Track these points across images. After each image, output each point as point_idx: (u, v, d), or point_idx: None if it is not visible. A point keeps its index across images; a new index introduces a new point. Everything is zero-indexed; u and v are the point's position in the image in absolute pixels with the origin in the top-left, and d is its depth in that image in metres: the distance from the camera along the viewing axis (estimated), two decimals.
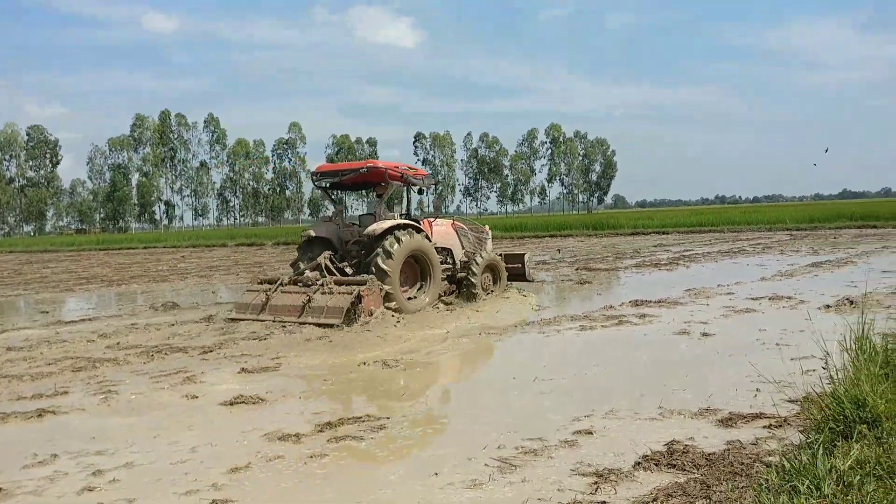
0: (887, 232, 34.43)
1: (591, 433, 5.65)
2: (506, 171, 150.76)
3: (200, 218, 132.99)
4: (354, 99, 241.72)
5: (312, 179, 13.85)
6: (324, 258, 12.43)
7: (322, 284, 11.58)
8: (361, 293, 11.08)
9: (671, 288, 14.81)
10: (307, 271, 12.26)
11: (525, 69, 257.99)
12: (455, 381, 8.11)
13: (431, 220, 14.05)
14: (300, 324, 10.98)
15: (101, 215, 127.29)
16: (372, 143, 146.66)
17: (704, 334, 9.60)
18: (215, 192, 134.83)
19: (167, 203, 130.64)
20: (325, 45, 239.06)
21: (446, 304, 13.14)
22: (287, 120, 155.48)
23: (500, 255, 15.11)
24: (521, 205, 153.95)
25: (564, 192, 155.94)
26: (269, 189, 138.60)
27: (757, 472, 4.43)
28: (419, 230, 12.81)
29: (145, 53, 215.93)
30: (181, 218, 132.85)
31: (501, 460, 5.11)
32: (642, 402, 6.46)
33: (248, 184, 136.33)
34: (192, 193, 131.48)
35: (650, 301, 12.82)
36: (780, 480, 3.89)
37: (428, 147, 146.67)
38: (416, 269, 12.86)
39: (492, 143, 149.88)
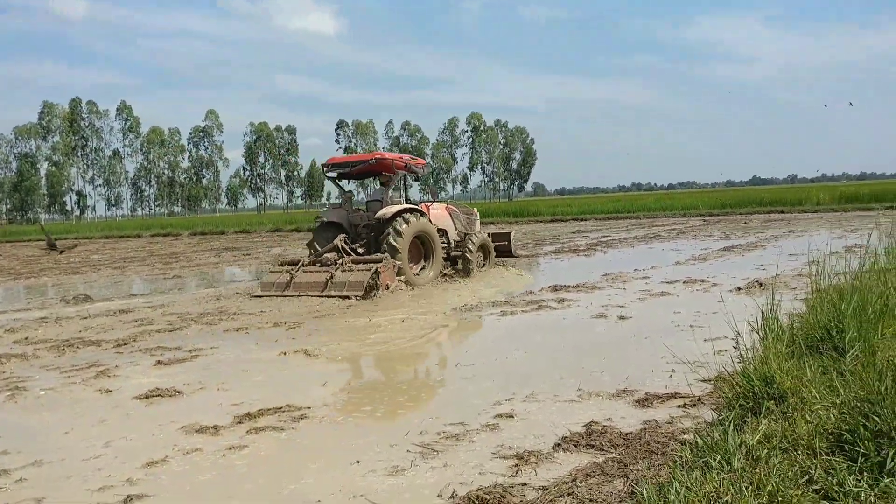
0: (794, 217, 35.89)
1: (512, 417, 5.71)
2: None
3: (114, 208, 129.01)
4: (275, 88, 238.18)
5: (323, 170, 15.72)
6: (339, 240, 14.01)
7: (341, 263, 13.12)
8: (379, 269, 12.69)
9: (589, 273, 15.09)
10: (326, 253, 13.80)
11: (447, 59, 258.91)
12: (376, 369, 8.07)
13: (428, 204, 15.67)
14: (324, 297, 12.44)
15: (8, 206, 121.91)
16: (291, 131, 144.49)
17: (621, 318, 9.81)
18: (129, 181, 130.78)
19: (79, 193, 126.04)
20: (244, 33, 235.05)
21: (447, 275, 15.02)
22: (205, 110, 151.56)
23: (489, 234, 17.01)
24: (443, 193, 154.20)
25: (486, 180, 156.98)
26: (185, 178, 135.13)
27: (672, 449, 4.54)
28: (422, 213, 14.54)
29: (53, 40, 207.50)
30: (94, 208, 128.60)
31: (423, 446, 5.11)
32: (562, 385, 6.55)
33: (164, 173, 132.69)
34: (105, 183, 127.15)
35: (569, 286, 13.02)
36: (693, 457, 4.00)
37: (350, 135, 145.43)
38: (420, 248, 14.60)
39: (414, 131, 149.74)
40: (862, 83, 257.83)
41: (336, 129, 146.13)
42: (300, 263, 13.66)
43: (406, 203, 15.09)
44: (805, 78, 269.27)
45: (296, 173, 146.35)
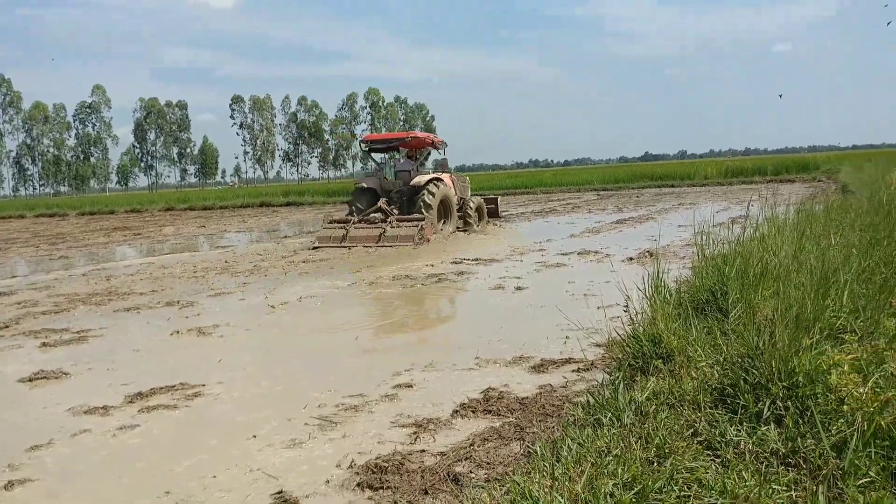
0: (683, 191, 37.24)
1: (411, 386, 5.73)
2: (326, 136, 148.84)
3: None
4: (166, 61, 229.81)
5: (361, 146, 19.98)
6: (382, 203, 17.60)
7: (390, 221, 16.54)
8: (423, 225, 16.18)
9: (487, 246, 15.26)
10: (372, 213, 17.31)
11: (344, 32, 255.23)
12: (272, 346, 7.94)
13: (440, 174, 18.87)
14: (378, 247, 15.66)
15: None
16: (182, 106, 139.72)
17: (518, 288, 9.96)
18: (10, 160, 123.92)
19: None
20: (132, 3, 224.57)
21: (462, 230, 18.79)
22: (92, 85, 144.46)
23: (483, 198, 21.27)
24: (343, 170, 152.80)
25: (387, 157, 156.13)
26: (72, 156, 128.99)
27: (566, 411, 4.66)
28: (443, 181, 18.01)
29: None
30: None
31: (322, 418, 5.08)
32: (460, 354, 6.61)
33: (49, 151, 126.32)
34: None
35: (468, 259, 13.14)
36: (585, 415, 4.12)
37: (247, 111, 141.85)
38: (441, 209, 17.87)
39: (311, 107, 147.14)
40: (749, 61, 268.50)
41: (231, 105, 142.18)
42: (353, 221, 16.99)
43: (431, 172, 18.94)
44: (693, 54, 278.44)
45: (188, 150, 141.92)
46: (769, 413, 3.67)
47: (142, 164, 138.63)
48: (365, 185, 18.51)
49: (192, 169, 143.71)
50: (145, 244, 21.88)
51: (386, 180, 18.60)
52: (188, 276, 12.75)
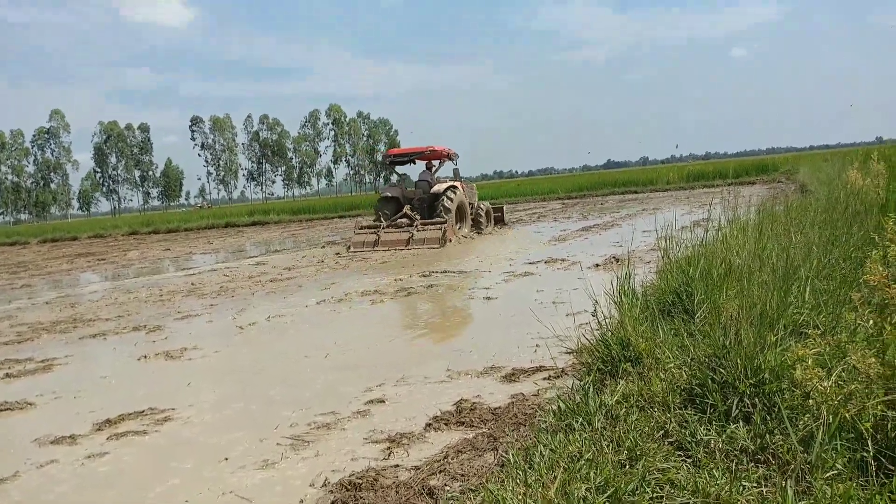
0: (646, 196, 37.66)
1: (384, 401, 5.71)
2: (290, 154, 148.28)
3: None
4: (124, 83, 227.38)
5: (384, 161, 22.92)
6: (407, 209, 19.89)
7: (416, 226, 18.86)
8: (445, 228, 18.33)
9: (456, 258, 15.28)
10: (399, 219, 19.59)
11: (303, 50, 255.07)
12: (242, 367, 7.86)
13: (454, 182, 20.95)
14: (407, 250, 17.74)
15: None
16: (144, 129, 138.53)
17: (487, 298, 9.99)
18: None
19: None
20: (87, 25, 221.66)
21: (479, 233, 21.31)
22: (48, 110, 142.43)
23: (491, 206, 23.77)
24: (308, 187, 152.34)
25: (351, 173, 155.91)
26: (31, 183, 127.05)
27: (539, 419, 4.67)
28: (458, 189, 20.33)
29: None
30: None
31: (294, 438, 5.04)
32: (431, 367, 6.61)
33: (6, 178, 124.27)
34: None
35: (437, 271, 13.15)
36: (557, 421, 4.13)
37: (207, 131, 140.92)
38: (457, 213, 19.95)
39: (273, 125, 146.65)
40: (707, 65, 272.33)
41: (191, 126, 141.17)
42: (382, 226, 19.29)
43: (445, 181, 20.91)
44: (649, 58, 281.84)
45: (151, 173, 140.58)
46: (737, 411, 3.72)
47: (103, 189, 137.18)
48: (389, 194, 20.70)
49: (155, 192, 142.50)
50: (110, 269, 21.57)
51: (407, 189, 20.96)
52: (154, 300, 12.60)
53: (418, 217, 19.47)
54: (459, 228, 20.02)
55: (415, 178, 21.72)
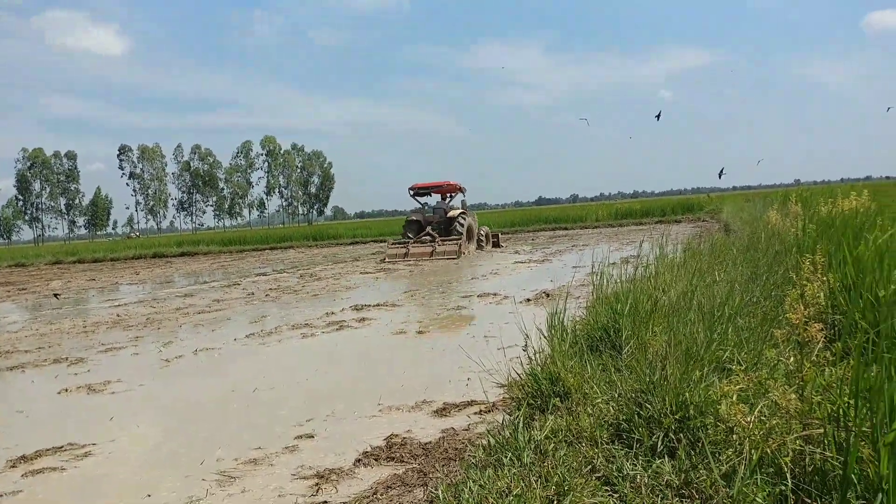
0: (576, 232, 38.34)
1: (313, 437, 5.64)
2: (221, 185, 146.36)
3: None
4: (51, 112, 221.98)
5: (410, 193, 27.82)
6: (430, 229, 25.84)
7: (437, 241, 24.72)
8: (460, 243, 24.30)
9: (389, 292, 15.24)
10: (424, 236, 25.74)
11: (239, 83, 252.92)
12: (167, 401, 7.66)
13: (462, 210, 26.77)
14: (432, 260, 23.60)
15: None
16: (71, 157, 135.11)
17: (420, 332, 9.98)
18: None
19: None
20: (11, 52, 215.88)
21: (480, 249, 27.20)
22: None
23: (490, 230, 29.76)
24: (239, 218, 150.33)
25: (284, 204, 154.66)
26: None
27: (469, 454, 4.67)
28: (467, 215, 26.23)
29: None
30: None
31: (220, 474, 4.93)
32: (362, 401, 6.55)
33: None
34: None
35: (369, 305, 13.09)
36: (486, 456, 4.14)
37: (136, 161, 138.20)
38: (466, 234, 25.53)
39: (205, 155, 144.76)
40: (634, 107, 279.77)
41: (119, 155, 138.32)
42: (411, 241, 25.49)
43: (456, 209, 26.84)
44: (582, 102, 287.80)
45: (77, 201, 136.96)
46: (663, 446, 3.79)
47: (26, 217, 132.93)
48: (413, 218, 26.83)
49: (81, 221, 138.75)
50: (31, 299, 20.85)
51: (426, 215, 26.91)
52: (77, 332, 12.22)
53: (437, 235, 25.34)
54: (467, 246, 25.33)
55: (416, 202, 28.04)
